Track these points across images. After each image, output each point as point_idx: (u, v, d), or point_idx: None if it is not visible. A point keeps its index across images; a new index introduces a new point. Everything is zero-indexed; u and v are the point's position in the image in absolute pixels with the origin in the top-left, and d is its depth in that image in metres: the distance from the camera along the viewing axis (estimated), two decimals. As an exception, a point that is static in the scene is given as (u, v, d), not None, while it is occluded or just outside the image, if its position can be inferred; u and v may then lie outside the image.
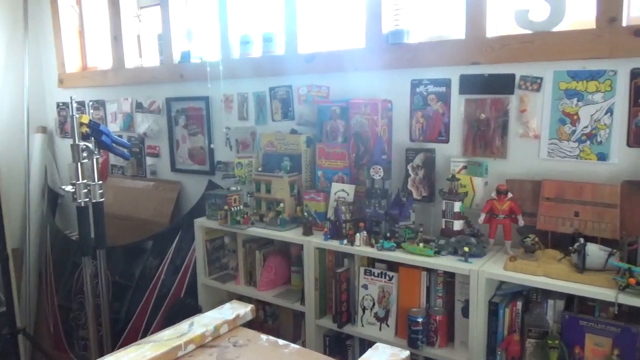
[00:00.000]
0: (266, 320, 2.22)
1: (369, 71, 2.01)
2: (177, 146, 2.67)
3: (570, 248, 1.46)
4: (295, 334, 2.13)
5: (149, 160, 2.81)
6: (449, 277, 1.64)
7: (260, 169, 2.16)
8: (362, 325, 1.79)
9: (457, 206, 1.68)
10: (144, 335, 2.49)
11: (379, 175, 1.81)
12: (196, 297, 2.27)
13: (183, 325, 1.38)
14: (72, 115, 1.86)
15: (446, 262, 1.58)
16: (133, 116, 2.85)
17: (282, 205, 2.03)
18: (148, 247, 2.61)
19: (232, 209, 2.05)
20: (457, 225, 1.68)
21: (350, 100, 1.95)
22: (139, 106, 2.80)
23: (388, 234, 1.75)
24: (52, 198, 3.23)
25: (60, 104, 3.24)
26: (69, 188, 1.88)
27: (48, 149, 3.28)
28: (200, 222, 2.20)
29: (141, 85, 2.79)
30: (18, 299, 2.85)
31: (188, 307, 2.26)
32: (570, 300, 1.48)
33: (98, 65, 3.15)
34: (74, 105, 1.87)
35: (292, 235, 1.93)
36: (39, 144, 3.22)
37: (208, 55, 2.52)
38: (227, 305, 1.54)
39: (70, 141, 3.15)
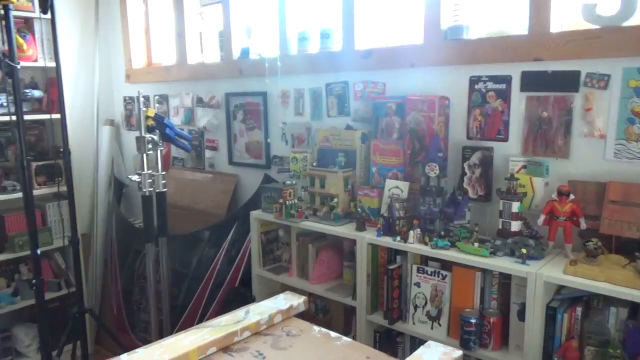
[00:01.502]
0: (317, 313, 2.25)
1: (426, 67, 1.99)
2: (234, 140, 2.75)
3: (637, 254, 1.39)
4: (345, 329, 2.15)
5: (208, 153, 2.91)
6: (505, 279, 1.60)
7: (314, 164, 2.19)
8: (414, 323, 1.79)
9: (515, 206, 1.64)
10: (201, 321, 2.59)
11: (435, 173, 1.79)
12: (250, 287, 2.33)
13: (239, 313, 1.44)
14: (140, 108, 1.95)
15: (502, 264, 1.55)
16: (194, 110, 2.95)
17: (335, 200, 2.05)
18: (205, 237, 2.70)
19: (287, 202, 2.10)
20: (515, 226, 1.64)
21: (407, 97, 1.94)
22: (199, 101, 2.90)
23: (442, 233, 1.74)
24: (118, 187, 3.41)
25: (127, 98, 3.41)
26: (135, 177, 1.98)
27: (115, 141, 3.46)
28: (255, 215, 2.27)
29: (202, 81, 2.89)
30: (85, 281, 3.04)
31: (242, 296, 2.33)
32: (634, 308, 1.42)
33: (162, 62, 3.28)
34: (141, 99, 1.96)
35: (345, 230, 1.95)
36: (107, 135, 3.40)
37: (266, 52, 2.58)
38: (282, 295, 1.58)
39: (135, 133, 3.33)
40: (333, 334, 1.38)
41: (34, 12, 2.86)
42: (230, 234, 2.54)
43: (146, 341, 2.83)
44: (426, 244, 1.73)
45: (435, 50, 1.95)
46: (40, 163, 2.92)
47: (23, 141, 2.13)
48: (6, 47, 2.04)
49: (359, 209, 1.99)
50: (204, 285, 2.58)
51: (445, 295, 1.71)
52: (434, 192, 1.80)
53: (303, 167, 2.27)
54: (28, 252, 2.81)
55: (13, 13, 2.75)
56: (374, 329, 1.94)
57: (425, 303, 1.76)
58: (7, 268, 2.90)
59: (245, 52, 2.65)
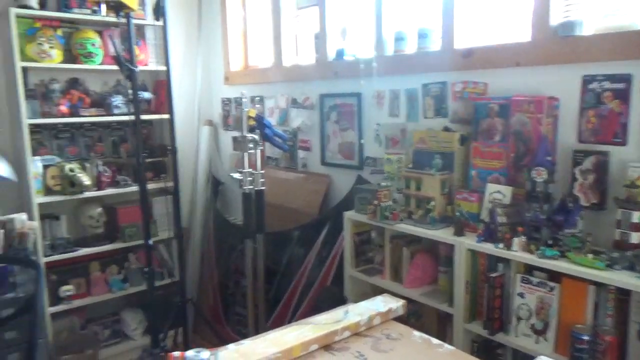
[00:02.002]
0: (409, 317, 2.21)
1: (533, 66, 1.88)
2: (327, 140, 2.78)
3: None
4: (439, 336, 2.09)
5: (301, 154, 2.97)
6: (622, 295, 1.47)
7: (410, 166, 2.16)
8: (516, 336, 1.70)
9: (635, 216, 1.51)
10: (293, 317, 2.67)
11: (542, 178, 1.69)
12: (342, 288, 2.35)
13: (339, 312, 1.45)
14: (243, 109, 2.03)
15: (620, 278, 1.43)
16: (288, 111, 3.03)
17: (432, 203, 2.01)
18: (295, 236, 2.76)
19: (382, 204, 2.09)
20: (635, 237, 1.51)
21: (511, 97, 1.85)
22: (294, 102, 2.97)
23: (550, 241, 1.64)
24: (214, 185, 3.58)
25: (225, 100, 3.57)
26: (236, 175, 2.07)
27: (213, 140, 3.64)
28: (349, 215, 2.28)
29: (297, 82, 2.95)
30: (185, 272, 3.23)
31: (334, 296, 2.35)
32: None
33: (258, 64, 3.40)
34: (245, 100, 2.04)
35: (443, 234, 1.90)
36: (206, 135, 3.59)
37: (361, 53, 2.58)
38: (379, 298, 1.57)
39: (232, 133, 3.49)
40: (435, 340, 1.35)
41: (145, 19, 3.08)
42: (323, 234, 2.58)
43: (240, 333, 2.95)
44: (532, 252, 1.64)
45: (543, 48, 1.84)
46: (148, 160, 3.14)
47: (140, 139, 2.30)
48: (126, 53, 2.20)
49: (457, 213, 1.93)
50: (295, 283, 2.64)
51: (552, 308, 1.61)
52: (540, 198, 1.70)
53: (398, 168, 2.25)
54: (137, 242, 3.06)
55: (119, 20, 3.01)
56: (471, 338, 1.87)
57: (530, 315, 1.67)
58: (118, 256, 3.14)
59: (340, 54, 2.67)
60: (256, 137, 2.06)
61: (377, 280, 2.21)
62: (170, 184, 2.57)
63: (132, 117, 3.02)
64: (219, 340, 3.00)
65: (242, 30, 3.46)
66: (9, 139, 2.87)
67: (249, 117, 2.06)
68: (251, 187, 2.08)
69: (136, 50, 3.01)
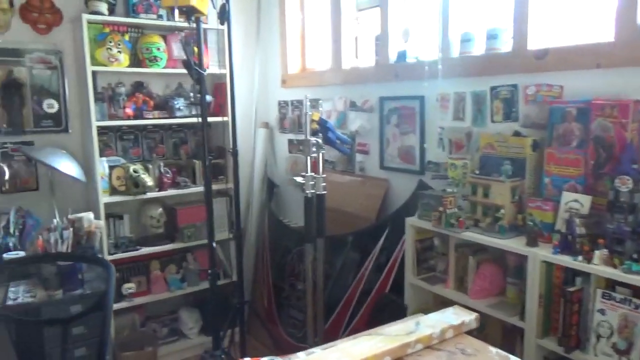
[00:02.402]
0: (471, 330, 2.13)
1: (616, 68, 1.77)
2: (387, 144, 2.73)
3: None
4: (504, 350, 1.99)
5: (359, 157, 2.93)
6: None
7: (477, 172, 2.07)
8: (596, 355, 1.59)
9: None
10: (349, 324, 2.63)
11: (627, 187, 1.58)
12: (402, 295, 2.29)
13: (409, 323, 1.39)
14: (306, 112, 2.02)
15: None
16: (346, 114, 3.00)
17: (502, 211, 1.92)
18: (350, 240, 2.72)
19: (447, 211, 2.01)
20: None
21: (591, 101, 1.74)
22: (352, 105, 2.93)
23: (635, 255, 1.52)
24: (269, 187, 3.60)
25: (282, 102, 3.58)
26: (299, 179, 2.05)
27: (269, 143, 3.66)
28: (411, 222, 2.21)
29: (355, 85, 2.91)
30: (241, 273, 3.26)
31: (394, 304, 2.30)
32: None
33: (315, 67, 3.39)
34: (308, 103, 2.02)
35: (514, 244, 1.81)
36: (262, 138, 3.61)
37: (424, 55, 2.52)
38: (450, 310, 1.50)
39: (288, 136, 3.50)
40: (513, 358, 1.27)
41: (206, 23, 3.13)
42: (381, 239, 2.52)
43: (295, 337, 2.94)
44: (615, 266, 1.53)
45: (629, 49, 1.72)
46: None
47: (206, 141, 2.34)
48: (192, 57, 2.24)
49: (529, 222, 1.84)
50: (352, 289, 2.60)
51: (638, 327, 1.50)
52: (625, 208, 1.58)
53: (462, 174, 2.17)
54: (195, 243, 3.12)
55: (184, 25, 3.06)
56: (543, 354, 1.77)
57: (611, 333, 1.56)
58: (177, 256, 3.21)
59: (402, 56, 2.61)
60: (319, 140, 2.04)
61: (440, 290, 2.13)
62: (230, 185, 2.59)
63: (193, 120, 3.12)
64: (272, 341, 3.00)
65: (299, 33, 3.46)
66: (78, 140, 2.98)
67: (313, 121, 2.04)
68: (313, 191, 2.06)
69: (188, 53, 3.09)
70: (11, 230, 2.58)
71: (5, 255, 2.43)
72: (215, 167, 3.26)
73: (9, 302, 2.19)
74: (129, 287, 2.90)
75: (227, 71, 3.12)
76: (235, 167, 2.64)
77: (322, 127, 2.06)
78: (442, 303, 2.30)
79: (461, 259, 2.07)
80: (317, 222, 2.13)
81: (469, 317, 1.44)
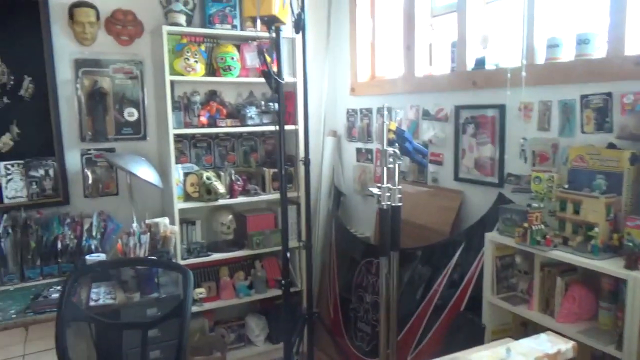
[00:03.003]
0: (557, 354, 1.98)
1: None
2: (462, 155, 2.62)
3: None
4: (595, 380, 1.85)
5: (432, 168, 2.83)
6: None
7: (565, 186, 1.94)
8: None
9: None
10: (421, 340, 2.54)
11: None
12: (478, 315, 2.18)
13: (499, 350, 1.30)
14: (383, 122, 1.97)
15: None
16: (418, 123, 2.91)
17: (595, 230, 1.77)
18: (420, 254, 2.63)
19: (533, 227, 1.89)
20: None
21: None
22: (425, 113, 2.85)
23: None
24: (336, 195, 3.56)
25: (350, 110, 3.55)
26: (375, 190, 2.00)
27: (336, 151, 3.63)
28: (491, 237, 2.10)
29: (429, 93, 2.83)
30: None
31: (471, 324, 2.18)
32: None
33: (386, 74, 3.34)
34: (386, 112, 1.97)
35: (610, 266, 1.67)
36: (330, 146, 3.59)
37: (505, 62, 2.40)
38: (543, 336, 1.40)
39: (356, 144, 3.45)
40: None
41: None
42: (456, 254, 2.42)
43: (362, 350, 2.88)
44: None
45: None
46: (275, 170, 3.21)
47: (283, 149, 2.34)
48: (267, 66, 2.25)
49: (627, 243, 1.69)
50: (425, 305, 2.51)
51: None
52: None
53: (548, 188, 2.03)
54: (264, 250, 3.14)
55: (259, 34, 3.10)
56: (644, 389, 1.61)
57: None
58: (245, 263, 3.24)
59: (480, 63, 2.51)
60: (396, 151, 1.98)
61: (523, 311, 2.01)
62: (299, 193, 2.58)
63: (265, 128, 3.16)
64: (338, 353, 2.96)
65: (370, 40, 3.42)
66: (155, 147, 3.09)
67: (389, 130, 1.99)
68: (388, 202, 2.00)
69: (264, 62, 3.13)
70: (94, 233, 2.70)
71: (87, 257, 2.54)
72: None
73: (92, 303, 2.28)
74: (200, 292, 2.95)
75: (296, 79, 3.16)
76: (307, 176, 2.63)
77: (399, 137, 2.00)
78: (523, 325, 2.17)
79: (547, 279, 1.94)
80: (392, 235, 2.06)
81: (565, 346, 1.33)
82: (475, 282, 2.32)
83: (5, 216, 2.63)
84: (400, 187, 2.04)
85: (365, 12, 3.39)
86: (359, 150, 3.46)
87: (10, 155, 2.72)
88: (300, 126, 3.12)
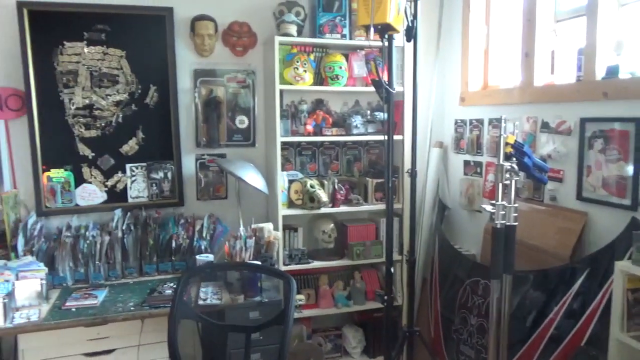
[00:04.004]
0: None
1: None
2: (587, 172, 2.38)
3: None
4: None
5: (550, 185, 2.60)
6: None
7: None
8: None
9: None
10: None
11: None
12: (604, 352, 1.94)
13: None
14: (500, 134, 1.84)
15: None
16: (535, 136, 2.70)
17: None
18: (531, 278, 2.42)
19: (677, 259, 1.65)
20: None
21: None
22: (544, 126, 2.63)
23: None
24: (441, 209, 3.42)
25: (458, 121, 3.39)
26: (489, 208, 1.88)
27: (442, 163, 3.49)
28: (622, 267, 1.87)
29: (550, 104, 2.61)
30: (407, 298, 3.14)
31: (594, 361, 1.96)
32: None
33: (500, 84, 3.14)
34: (504, 124, 1.84)
35: None
36: (435, 157, 3.46)
37: (644, 70, 2.14)
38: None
39: (464, 157, 3.30)
40: None
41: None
42: (578, 282, 2.19)
43: (465, 375, 2.72)
44: None
45: None
46: (379, 180, 3.16)
47: (391, 160, 2.29)
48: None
49: None
50: (538, 334, 2.30)
51: None
52: None
53: (696, 215, 1.76)
54: (364, 261, 3.10)
55: (368, 43, 3.07)
56: None
57: None
58: (344, 273, 3.22)
59: (612, 71, 2.26)
60: (514, 166, 1.84)
61: (660, 354, 1.76)
62: (401, 205, 2.50)
63: (370, 137, 3.13)
64: (437, 376, 2.82)
65: (483, 48, 3.25)
66: (263, 154, 3.19)
67: (507, 144, 1.85)
68: (503, 221, 1.86)
69: (379, 72, 3.09)
70: (204, 234, 2.84)
71: (198, 257, 2.67)
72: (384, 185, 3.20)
73: (200, 302, 2.39)
74: (299, 298, 2.98)
75: (404, 89, 3.09)
76: (413, 188, 2.54)
77: (518, 151, 1.86)
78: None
79: (694, 320, 1.68)
80: (505, 257, 1.91)
81: None
82: (600, 316, 2.08)
83: (129, 214, 2.87)
84: (516, 205, 1.89)
85: (480, 18, 3.23)
86: (466, 163, 3.29)
87: (135, 158, 2.95)
88: (407, 136, 3.05)
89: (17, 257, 2.52)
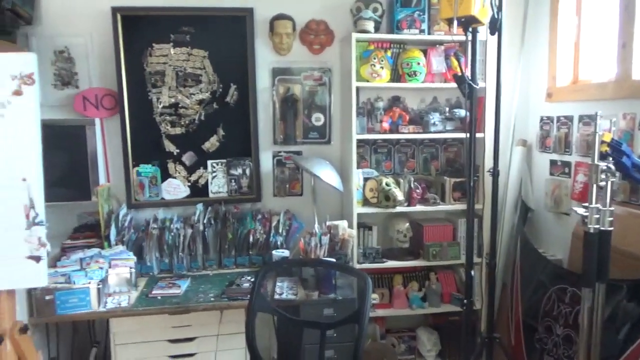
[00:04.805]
0: None
1: None
2: (695, 174, 2.15)
3: None
4: None
5: (650, 187, 2.39)
6: None
7: None
8: None
9: None
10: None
11: None
12: None
13: None
14: (595, 132, 1.71)
15: None
16: (633, 134, 2.48)
17: None
18: (624, 288, 2.22)
19: None
20: None
21: None
22: (644, 123, 2.42)
23: None
24: (523, 210, 3.25)
25: (544, 118, 3.20)
26: (581, 211, 1.75)
27: (525, 162, 3.32)
28: None
29: (651, 99, 2.39)
30: (487, 302, 3.01)
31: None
32: None
33: (591, 78, 2.93)
34: (599, 121, 1.71)
35: None
36: (518, 156, 3.29)
37: None
38: None
39: (550, 156, 3.11)
40: None
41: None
42: (683, 294, 1.99)
43: (548, 387, 2.57)
44: None
45: None
46: (457, 180, 3.06)
47: (474, 159, 2.22)
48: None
49: None
50: (634, 350, 2.12)
51: None
52: None
53: None
54: (440, 263, 3.02)
55: (448, 38, 2.97)
56: None
57: None
58: (419, 274, 3.16)
59: None
60: (611, 166, 1.70)
61: None
62: (481, 206, 2.40)
63: (449, 135, 3.04)
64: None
65: (574, 40, 3.04)
66: (338, 151, 3.19)
67: (602, 142, 1.72)
68: (596, 226, 1.73)
69: (457, 68, 2.99)
70: (280, 230, 2.89)
71: (274, 252, 2.73)
72: (464, 185, 3.09)
73: (276, 297, 2.44)
74: (373, 297, 2.95)
75: (485, 84, 2.96)
76: (495, 188, 2.43)
77: (615, 151, 1.72)
78: None
79: None
80: (599, 264, 1.78)
81: None
82: None
83: (209, 208, 2.98)
84: (612, 208, 1.74)
85: (570, 7, 3.02)
86: (553, 163, 3.10)
87: (215, 154, 3.07)
88: (489, 134, 2.92)
89: (109, 246, 2.71)
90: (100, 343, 2.95)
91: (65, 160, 2.74)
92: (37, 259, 1.79)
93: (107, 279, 2.49)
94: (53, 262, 2.47)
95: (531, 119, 3.36)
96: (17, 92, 1.78)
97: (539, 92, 3.25)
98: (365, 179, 3.01)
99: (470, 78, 2.14)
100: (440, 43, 3.03)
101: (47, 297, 2.29)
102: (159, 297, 2.48)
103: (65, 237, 2.81)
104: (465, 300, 2.29)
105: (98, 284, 2.38)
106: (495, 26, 2.22)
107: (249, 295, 2.24)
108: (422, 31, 2.97)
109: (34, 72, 1.80)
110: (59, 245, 2.70)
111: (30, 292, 2.30)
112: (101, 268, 2.47)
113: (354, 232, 2.82)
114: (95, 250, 2.61)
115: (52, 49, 2.88)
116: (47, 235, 1.82)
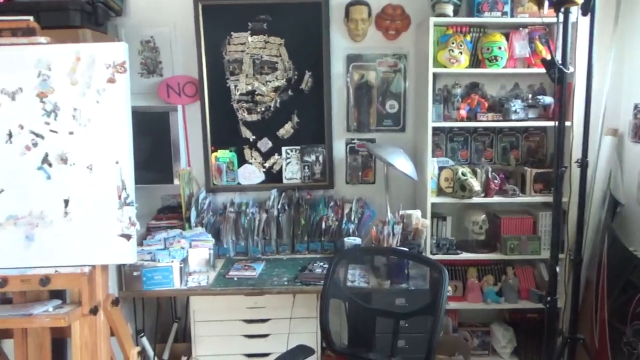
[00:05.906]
0: None
1: None
2: None
3: None
4: None
5: None
6: None
7: None
8: None
9: None
10: None
11: None
12: None
13: None
14: None
15: None
16: None
17: None
18: None
19: None
20: None
21: None
22: None
23: None
24: (612, 205, 3.03)
25: (639, 106, 2.96)
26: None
27: (615, 153, 3.09)
28: None
29: None
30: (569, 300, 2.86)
31: None
32: None
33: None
34: None
35: None
36: (608, 147, 3.06)
37: None
38: None
39: (646, 147, 2.86)
40: None
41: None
42: None
43: (636, 394, 2.40)
44: None
45: None
46: (539, 170, 2.91)
47: (562, 149, 2.11)
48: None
49: None
50: None
51: None
52: None
53: None
54: (518, 257, 2.91)
55: (533, 20, 2.80)
56: None
57: None
58: (496, 267, 3.05)
59: None
60: None
61: None
62: (569, 199, 2.26)
63: (529, 123, 2.89)
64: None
65: (676, 19, 2.77)
66: (412, 139, 3.13)
67: None
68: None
69: (543, 52, 2.83)
70: (352, 218, 2.90)
71: (346, 240, 2.74)
72: (547, 176, 2.93)
73: (348, 284, 2.45)
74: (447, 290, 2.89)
75: (574, 69, 2.77)
76: (583, 180, 2.29)
77: None
78: None
79: None
80: None
81: None
82: None
83: (283, 194, 3.04)
84: None
85: (675, -16, 2.76)
86: (651, 155, 2.86)
87: (290, 141, 3.11)
88: (577, 123, 2.74)
89: (190, 227, 2.84)
90: (181, 319, 3.11)
91: (150, 145, 2.89)
92: (128, 237, 1.91)
93: (188, 259, 2.61)
94: (139, 241, 2.63)
95: (624, 106, 3.11)
96: (111, 80, 1.90)
97: (634, 78, 3.00)
98: (440, 168, 2.93)
99: (560, 62, 2.00)
100: (524, 26, 2.88)
101: (135, 273, 2.44)
102: (236, 279, 2.57)
103: (150, 218, 2.99)
104: (548, 298, 2.18)
105: (180, 263, 2.50)
106: (589, 6, 2.07)
107: (322, 281, 2.26)
108: (504, 13, 2.83)
109: (126, 60, 1.91)
110: (144, 225, 2.88)
111: (120, 268, 2.46)
112: (183, 248, 2.59)
113: (428, 222, 2.76)
114: (177, 231, 2.75)
115: (139, 39, 3.03)
116: (136, 215, 1.94)
